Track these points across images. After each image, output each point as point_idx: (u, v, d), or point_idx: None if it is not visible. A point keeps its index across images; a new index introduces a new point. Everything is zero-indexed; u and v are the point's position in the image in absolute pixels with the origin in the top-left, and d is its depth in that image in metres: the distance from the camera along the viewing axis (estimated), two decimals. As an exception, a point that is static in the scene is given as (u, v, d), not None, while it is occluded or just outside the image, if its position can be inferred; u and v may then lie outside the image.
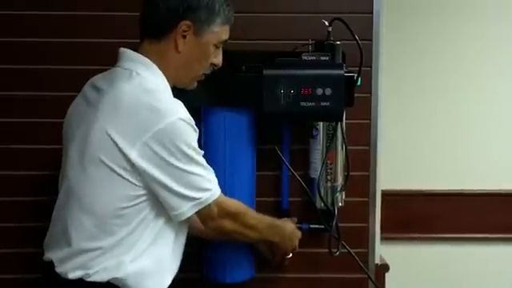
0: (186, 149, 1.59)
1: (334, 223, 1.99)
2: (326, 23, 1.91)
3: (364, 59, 1.86)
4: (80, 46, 2.07)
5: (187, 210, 1.63)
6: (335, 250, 2.01)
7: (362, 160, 2.08)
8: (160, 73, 1.66)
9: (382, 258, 2.21)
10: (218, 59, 1.74)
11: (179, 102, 1.62)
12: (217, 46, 1.71)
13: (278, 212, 2.05)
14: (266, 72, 1.83)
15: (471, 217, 2.90)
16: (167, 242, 1.68)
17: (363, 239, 2.12)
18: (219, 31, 1.69)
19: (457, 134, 2.91)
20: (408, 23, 2.83)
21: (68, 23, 2.07)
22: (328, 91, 1.82)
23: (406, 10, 2.82)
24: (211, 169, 1.68)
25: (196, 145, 1.63)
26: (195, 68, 1.72)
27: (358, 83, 1.89)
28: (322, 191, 1.97)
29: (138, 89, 1.59)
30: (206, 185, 1.65)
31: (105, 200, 1.59)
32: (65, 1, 2.07)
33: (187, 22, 1.64)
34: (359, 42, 1.85)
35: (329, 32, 1.91)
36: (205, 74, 1.75)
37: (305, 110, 1.83)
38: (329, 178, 1.97)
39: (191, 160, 1.61)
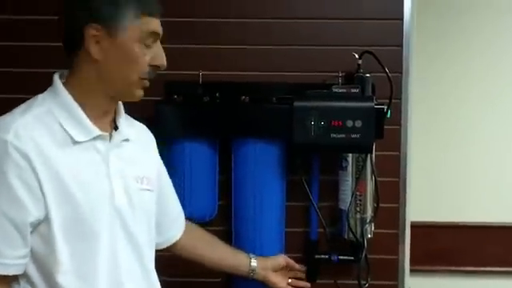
0: None
1: (363, 255, 1.98)
2: (356, 56, 1.93)
3: (394, 91, 1.87)
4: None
5: None
6: (364, 282, 2.01)
7: (392, 191, 2.08)
8: (60, 95, 1.40)
9: (411, 291, 2.20)
10: (156, 59, 1.43)
11: (27, 124, 1.33)
12: (146, 44, 1.41)
13: (307, 242, 2.06)
14: (296, 104, 1.85)
15: (502, 249, 2.87)
16: None
17: (392, 271, 2.11)
18: (138, 25, 1.39)
19: (487, 166, 2.89)
20: (439, 57, 2.84)
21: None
22: (358, 123, 1.82)
23: (436, 43, 2.83)
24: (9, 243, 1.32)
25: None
26: (125, 74, 1.41)
27: (388, 115, 1.90)
28: (352, 222, 1.97)
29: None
30: None
31: None
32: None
33: (94, 25, 1.37)
34: (389, 74, 1.86)
35: (359, 65, 1.93)
36: (149, 80, 1.45)
37: (335, 142, 1.83)
38: (358, 209, 1.97)
39: None
